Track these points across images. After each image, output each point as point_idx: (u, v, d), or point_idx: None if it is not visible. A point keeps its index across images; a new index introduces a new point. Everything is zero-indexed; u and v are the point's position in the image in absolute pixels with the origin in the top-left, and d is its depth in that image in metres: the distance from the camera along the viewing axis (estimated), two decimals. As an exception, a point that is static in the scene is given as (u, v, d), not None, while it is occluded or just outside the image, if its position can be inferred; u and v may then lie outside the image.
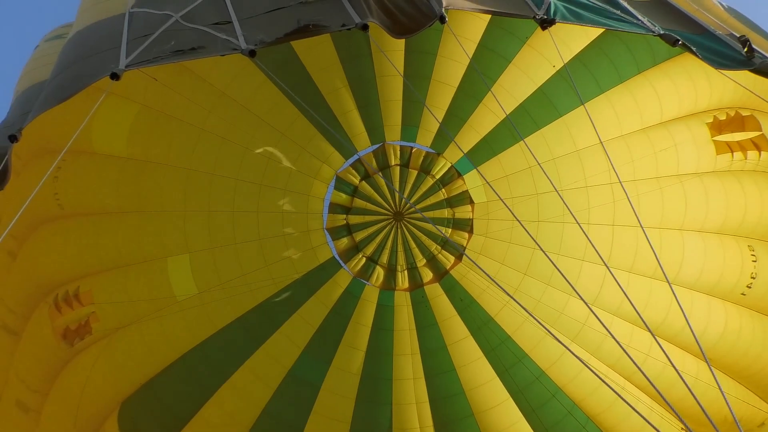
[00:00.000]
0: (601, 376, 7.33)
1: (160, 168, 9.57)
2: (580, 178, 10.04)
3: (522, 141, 9.76)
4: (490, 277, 7.41)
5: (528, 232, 6.91)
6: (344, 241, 10.83)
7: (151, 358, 9.52)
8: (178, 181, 9.75)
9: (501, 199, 8.94)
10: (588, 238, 7.27)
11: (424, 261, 10.91)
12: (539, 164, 9.28)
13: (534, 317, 6.13)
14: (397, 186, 10.67)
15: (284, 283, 10.39)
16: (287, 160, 10.16)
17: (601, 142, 9.13)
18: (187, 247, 9.91)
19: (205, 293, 10.01)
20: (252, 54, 5.68)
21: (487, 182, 9.12)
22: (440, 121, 9.93)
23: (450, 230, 10.79)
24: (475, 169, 10.37)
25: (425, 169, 10.74)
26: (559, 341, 5.59)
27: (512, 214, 7.81)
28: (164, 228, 9.80)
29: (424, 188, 10.76)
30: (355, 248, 10.85)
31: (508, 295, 6.50)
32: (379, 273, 10.86)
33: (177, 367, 9.61)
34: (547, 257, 6.82)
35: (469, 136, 10.21)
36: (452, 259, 10.84)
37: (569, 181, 9.96)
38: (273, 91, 9.55)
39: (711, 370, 4.62)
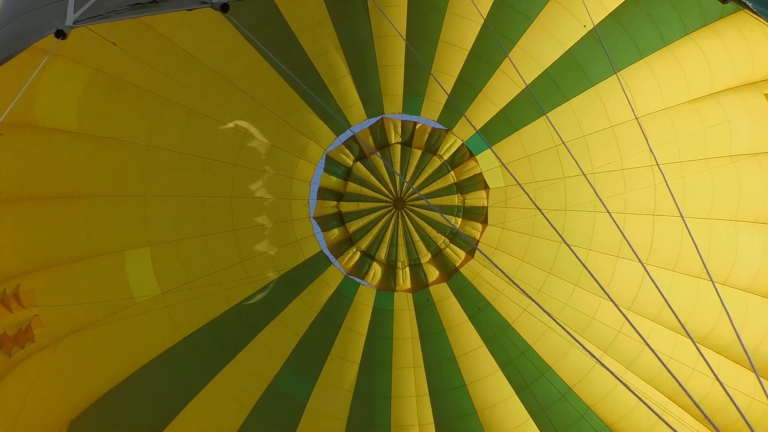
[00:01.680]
0: (638, 394, 7.22)
1: (115, 145, 9.42)
2: (616, 159, 10.00)
3: (546, 115, 9.68)
4: (508, 277, 7.27)
5: (551, 223, 6.64)
6: (335, 233, 10.88)
7: (106, 370, 9.47)
8: (137, 161, 9.65)
9: (519, 184, 8.87)
10: (621, 231, 7.05)
11: (430, 256, 10.95)
12: (564, 144, 9.34)
13: (559, 323, 6.23)
14: (397, 168, 10.67)
15: (263, 282, 10.36)
16: (267, 136, 10.12)
17: (636, 118, 8.89)
18: (147, 239, 9.79)
19: (169, 294, 9.93)
20: (225, 9, 5.65)
21: (502, 163, 9.14)
22: (448, 92, 9.93)
23: (460, 220, 10.82)
24: (487, 151, 10.46)
25: (431, 148, 10.76)
26: (589, 352, 5.53)
27: (532, 201, 7.62)
28: (121, 216, 9.68)
29: (429, 170, 10.80)
30: (348, 241, 10.91)
31: (529, 297, 6.42)
32: (377, 270, 10.94)
33: (136, 381, 9.56)
34: (574, 253, 6.58)
35: (484, 109, 10.16)
36: (463, 254, 10.90)
37: (602, 162, 9.97)
38: (250, 53, 9.52)
39: (766, 389, 4.42)
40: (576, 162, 8.38)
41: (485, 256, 7.84)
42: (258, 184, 10.29)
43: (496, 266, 7.45)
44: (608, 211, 7.52)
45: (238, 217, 10.19)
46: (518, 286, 7.33)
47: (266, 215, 10.38)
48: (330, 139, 10.50)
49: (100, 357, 9.43)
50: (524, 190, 7.50)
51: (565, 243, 6.66)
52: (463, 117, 10.24)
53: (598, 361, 5.26)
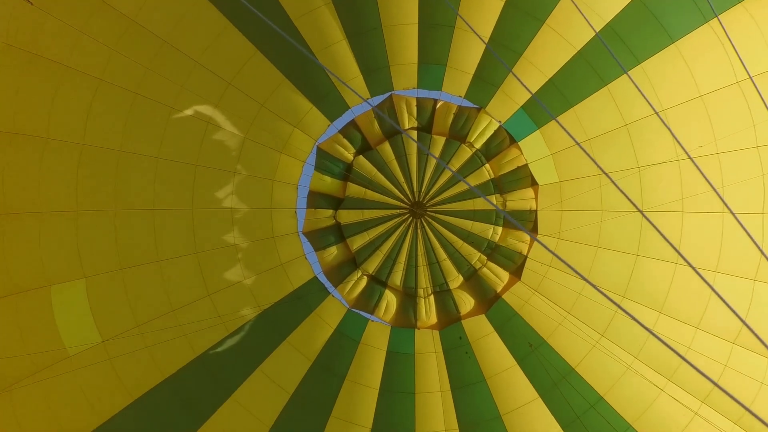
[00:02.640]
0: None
1: (33, 144, 8.87)
2: (709, 140, 9.20)
3: (607, 86, 9.31)
4: (601, 291, 5.93)
5: (658, 230, 6.52)
6: (333, 252, 10.27)
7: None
8: (65, 164, 9.09)
9: (593, 161, 7.44)
10: (752, 239, 6.08)
11: (461, 280, 10.32)
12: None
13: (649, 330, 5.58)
14: (413, 164, 10.27)
15: (237, 322, 9.65)
16: (237, 125, 9.54)
17: (750, 78, 8.37)
18: (81, 269, 9.10)
19: (112, 341, 9.21)
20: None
21: (577, 142, 8.25)
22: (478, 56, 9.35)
23: (500, 230, 10.35)
24: (534, 134, 9.82)
25: (458, 134, 10.14)
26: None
27: (622, 190, 6.50)
28: (46, 239, 9.08)
29: (456, 164, 10.16)
30: (351, 263, 10.30)
31: (633, 318, 5.34)
32: (390, 301, 10.23)
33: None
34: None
35: (529, 77, 9.40)
36: (505, 275, 10.21)
37: (693, 144, 9.05)
38: (213, 15, 9.07)
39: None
40: (676, 139, 7.42)
41: (564, 262, 6.50)
42: (227, 189, 9.67)
43: (575, 270, 6.10)
44: (733, 213, 6.66)
45: (202, 235, 9.55)
46: (617, 304, 5.98)
47: (239, 231, 9.73)
48: (322, 126, 9.87)
49: (20, 428, 8.99)
50: (599, 167, 6.67)
51: (678, 252, 5.16)
52: (498, 92, 9.66)
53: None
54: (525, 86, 9.12)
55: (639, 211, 8.34)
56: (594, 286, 5.81)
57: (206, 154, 9.49)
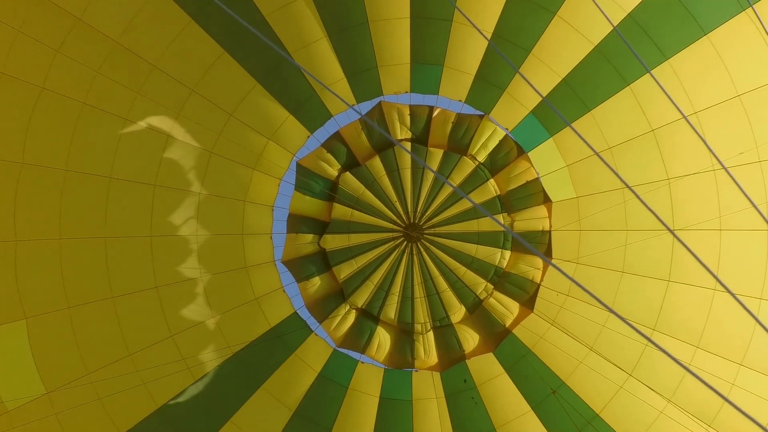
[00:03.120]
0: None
1: None
2: (750, 146, 8.67)
3: (630, 86, 8.80)
4: (628, 323, 5.44)
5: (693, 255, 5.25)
6: (316, 284, 9.85)
7: None
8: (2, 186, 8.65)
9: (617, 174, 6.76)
10: None
11: (464, 312, 9.93)
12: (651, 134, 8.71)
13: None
14: (407, 180, 9.87)
15: (205, 367, 9.25)
16: (199, 138, 9.14)
17: None
18: (21, 309, 8.63)
19: (58, 393, 8.70)
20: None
21: (596, 151, 7.88)
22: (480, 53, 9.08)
23: (508, 254, 9.93)
24: (546, 143, 9.35)
25: (458, 144, 9.76)
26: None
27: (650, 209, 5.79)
28: None
29: (457, 179, 9.78)
30: (338, 295, 9.90)
31: (666, 353, 4.82)
32: (383, 338, 9.86)
33: None
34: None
35: (539, 77, 9.00)
36: (515, 307, 9.79)
37: (732, 151, 8.57)
38: (173, 12, 8.66)
39: None
40: (708, 146, 6.41)
41: (589, 293, 5.83)
42: (190, 213, 9.23)
43: (602, 303, 5.49)
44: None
45: (163, 266, 9.11)
46: (625, 321, 5.58)
47: (206, 261, 9.31)
48: (300, 138, 9.46)
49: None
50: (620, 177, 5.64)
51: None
52: (504, 95, 9.24)
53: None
54: (534, 88, 8.76)
55: (669, 230, 7.53)
56: (620, 317, 5.29)
57: (166, 173, 9.02)
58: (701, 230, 8.82)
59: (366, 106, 9.68)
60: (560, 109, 9.08)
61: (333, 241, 9.84)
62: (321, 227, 9.90)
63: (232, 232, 9.38)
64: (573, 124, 8.99)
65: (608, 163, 7.25)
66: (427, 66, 9.36)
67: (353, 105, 9.38)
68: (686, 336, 9.05)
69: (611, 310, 5.13)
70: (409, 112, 9.71)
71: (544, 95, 9.02)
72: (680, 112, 8.13)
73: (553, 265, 5.06)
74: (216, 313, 9.35)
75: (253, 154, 9.31)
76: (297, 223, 9.78)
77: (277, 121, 9.26)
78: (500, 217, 9.76)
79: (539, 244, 9.67)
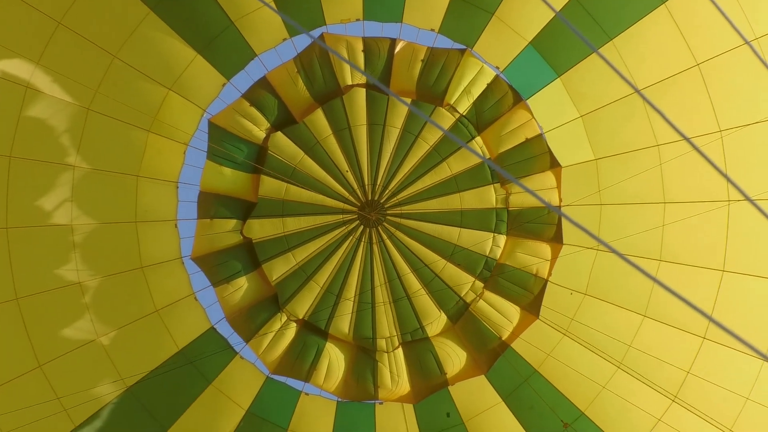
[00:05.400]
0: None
1: None
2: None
3: (666, 3, 7.47)
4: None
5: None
6: (240, 286, 8.51)
7: None
8: None
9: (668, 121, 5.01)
10: None
11: (445, 320, 8.65)
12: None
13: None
14: (362, 141, 8.60)
15: (89, 408, 7.66)
16: (72, 89, 7.54)
17: None
18: None
19: None
20: None
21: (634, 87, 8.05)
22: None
23: (502, 239, 8.48)
24: (552, 85, 7.94)
25: (430, 91, 8.50)
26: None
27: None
28: None
29: (431, 138, 8.64)
30: (270, 302, 8.59)
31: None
32: (334, 359, 8.71)
33: None
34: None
35: None
36: (515, 311, 8.42)
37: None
38: None
39: None
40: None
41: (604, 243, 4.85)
42: (61, 194, 7.64)
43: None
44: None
45: (23, 269, 7.38)
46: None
47: (83, 260, 7.64)
48: (214, 86, 7.99)
49: None
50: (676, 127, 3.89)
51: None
52: (492, 20, 7.79)
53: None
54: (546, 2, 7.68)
55: (740, 190, 6.71)
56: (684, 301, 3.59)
57: (26, 139, 7.45)
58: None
59: (301, 43, 8.55)
60: (572, 39, 7.54)
61: (262, 228, 8.70)
62: (245, 209, 8.71)
63: (120, 219, 7.85)
64: (590, 58, 7.50)
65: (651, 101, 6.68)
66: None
67: (264, 48, 7.98)
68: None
69: (674, 293, 4.00)
70: (362, 48, 8.56)
71: (539, 29, 7.70)
72: (741, 35, 6.76)
73: (591, 234, 4.16)
74: (104, 332, 7.79)
75: (147, 111, 7.87)
76: (212, 204, 8.57)
77: (179, 63, 7.94)
78: (491, 189, 8.22)
79: (544, 224, 8.44)
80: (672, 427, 8.05)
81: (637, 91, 5.78)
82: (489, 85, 8.46)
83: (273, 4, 8.11)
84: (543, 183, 8.39)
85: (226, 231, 8.59)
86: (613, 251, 5.21)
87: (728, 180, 6.32)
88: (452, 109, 8.52)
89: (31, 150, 7.59)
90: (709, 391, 8.14)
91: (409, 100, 8.68)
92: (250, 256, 8.71)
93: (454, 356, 8.71)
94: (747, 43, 7.85)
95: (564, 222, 8.66)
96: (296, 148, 8.53)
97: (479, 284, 8.63)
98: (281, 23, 8.12)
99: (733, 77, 7.67)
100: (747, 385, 8.21)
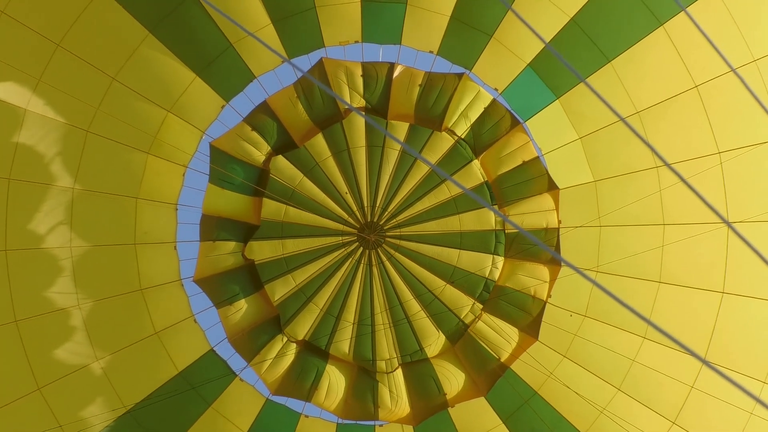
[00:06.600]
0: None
1: None
2: None
3: (663, 25, 7.49)
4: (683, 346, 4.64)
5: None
6: (241, 308, 8.55)
7: None
8: None
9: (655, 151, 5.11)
10: None
11: (443, 341, 8.74)
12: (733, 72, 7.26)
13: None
14: (361, 163, 8.79)
15: None
16: (71, 112, 7.60)
17: None
18: None
19: None
20: None
21: (619, 116, 5.87)
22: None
23: (501, 260, 8.57)
24: (551, 107, 8.05)
25: (428, 114, 8.55)
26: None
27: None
28: None
29: (431, 160, 8.78)
30: (272, 324, 8.63)
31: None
32: (334, 380, 8.70)
33: None
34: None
35: (540, 15, 7.74)
36: (514, 333, 8.46)
37: None
38: None
39: None
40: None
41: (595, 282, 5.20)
42: (57, 215, 7.68)
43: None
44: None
45: (22, 292, 7.43)
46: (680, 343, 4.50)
47: (81, 283, 7.69)
48: (211, 109, 8.04)
49: None
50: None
51: None
52: (491, 42, 7.91)
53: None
54: (534, 30, 7.08)
55: (725, 222, 6.49)
56: (673, 339, 3.61)
57: (23, 161, 7.50)
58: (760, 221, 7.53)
59: (301, 65, 8.68)
60: (570, 60, 7.75)
61: (262, 251, 8.75)
62: (246, 232, 8.78)
63: (120, 242, 7.96)
64: (588, 80, 7.73)
65: (638, 132, 5.74)
66: (384, 4, 8.25)
67: (262, 71, 7.98)
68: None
69: (662, 331, 3.82)
70: (361, 72, 8.53)
71: (546, 42, 7.70)
72: (727, 63, 6.92)
73: (578, 270, 3.57)
74: (102, 355, 7.90)
75: (146, 133, 7.94)
76: (213, 226, 8.62)
77: (178, 85, 8.00)
78: (489, 211, 8.61)
79: (548, 245, 9.10)
80: None
81: (622, 119, 5.56)
82: (486, 109, 8.47)
83: (272, 27, 7.82)
84: (541, 205, 8.46)
85: (226, 253, 8.69)
86: (584, 276, 5.30)
87: (658, 156, 6.26)
88: (450, 132, 8.54)
89: (31, 172, 7.71)
90: (710, 413, 8.04)
91: (407, 125, 8.46)
92: (252, 277, 8.76)
93: (453, 378, 8.90)
94: (733, 71, 7.97)
95: (563, 243, 8.28)
96: (296, 171, 8.65)
97: (478, 306, 8.72)
98: (280, 45, 8.06)
99: (731, 99, 7.70)
100: (747, 408, 8.01)
